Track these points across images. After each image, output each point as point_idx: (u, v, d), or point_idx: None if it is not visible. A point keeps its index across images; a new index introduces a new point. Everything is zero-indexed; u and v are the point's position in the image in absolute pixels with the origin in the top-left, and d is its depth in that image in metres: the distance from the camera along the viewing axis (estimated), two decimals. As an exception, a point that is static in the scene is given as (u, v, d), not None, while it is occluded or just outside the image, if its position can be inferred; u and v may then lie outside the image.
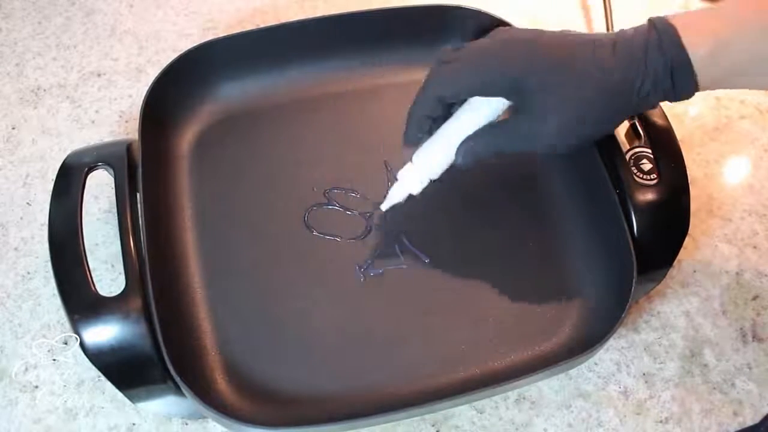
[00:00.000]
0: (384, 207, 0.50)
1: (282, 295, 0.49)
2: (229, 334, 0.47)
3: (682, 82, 0.41)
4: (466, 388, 0.44)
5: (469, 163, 0.45)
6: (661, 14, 0.42)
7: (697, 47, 0.40)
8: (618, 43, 0.41)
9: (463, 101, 0.46)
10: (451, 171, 0.47)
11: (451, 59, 0.44)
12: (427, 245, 0.51)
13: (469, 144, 0.45)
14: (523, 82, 0.42)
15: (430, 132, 0.47)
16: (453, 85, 0.44)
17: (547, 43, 0.42)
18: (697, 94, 0.42)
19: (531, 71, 0.42)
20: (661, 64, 0.40)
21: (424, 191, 0.48)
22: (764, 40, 0.40)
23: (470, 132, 0.45)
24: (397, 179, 0.48)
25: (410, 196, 0.49)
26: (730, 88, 0.45)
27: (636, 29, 0.42)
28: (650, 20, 0.42)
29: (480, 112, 0.45)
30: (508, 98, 0.44)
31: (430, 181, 0.48)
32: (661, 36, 0.41)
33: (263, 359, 0.47)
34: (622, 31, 0.43)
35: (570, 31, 0.44)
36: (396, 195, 0.49)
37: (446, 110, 0.46)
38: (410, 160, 0.48)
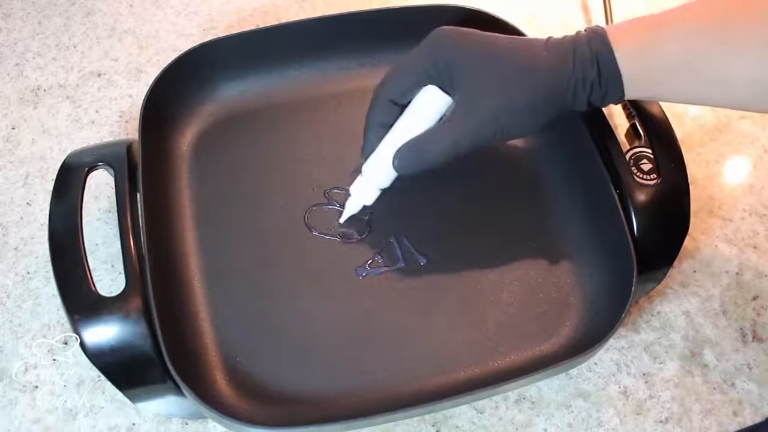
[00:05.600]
0: (342, 220, 0.51)
1: (282, 295, 0.49)
2: (229, 334, 0.47)
3: (608, 76, 0.43)
4: (466, 388, 0.44)
5: (406, 169, 0.46)
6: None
7: (621, 44, 0.43)
8: (550, 41, 0.45)
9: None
10: (444, 172, 0.46)
11: (395, 64, 0.47)
12: (426, 245, 0.51)
13: (402, 150, 0.46)
14: (454, 68, 0.44)
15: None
16: (395, 82, 0.47)
17: (479, 35, 0.45)
18: None
19: (461, 57, 0.44)
20: (588, 56, 0.43)
21: (425, 190, 0.48)
22: (684, 50, 0.42)
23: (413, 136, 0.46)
24: (350, 194, 0.49)
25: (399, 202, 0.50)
26: (659, 99, 0.48)
27: (567, 35, 0.45)
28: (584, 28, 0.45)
29: (420, 114, 0.46)
30: (442, 87, 0.45)
31: (380, 191, 0.49)
32: (589, 35, 0.44)
33: (263, 359, 0.47)
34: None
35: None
36: (351, 208, 0.50)
37: (400, 114, 0.47)
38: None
